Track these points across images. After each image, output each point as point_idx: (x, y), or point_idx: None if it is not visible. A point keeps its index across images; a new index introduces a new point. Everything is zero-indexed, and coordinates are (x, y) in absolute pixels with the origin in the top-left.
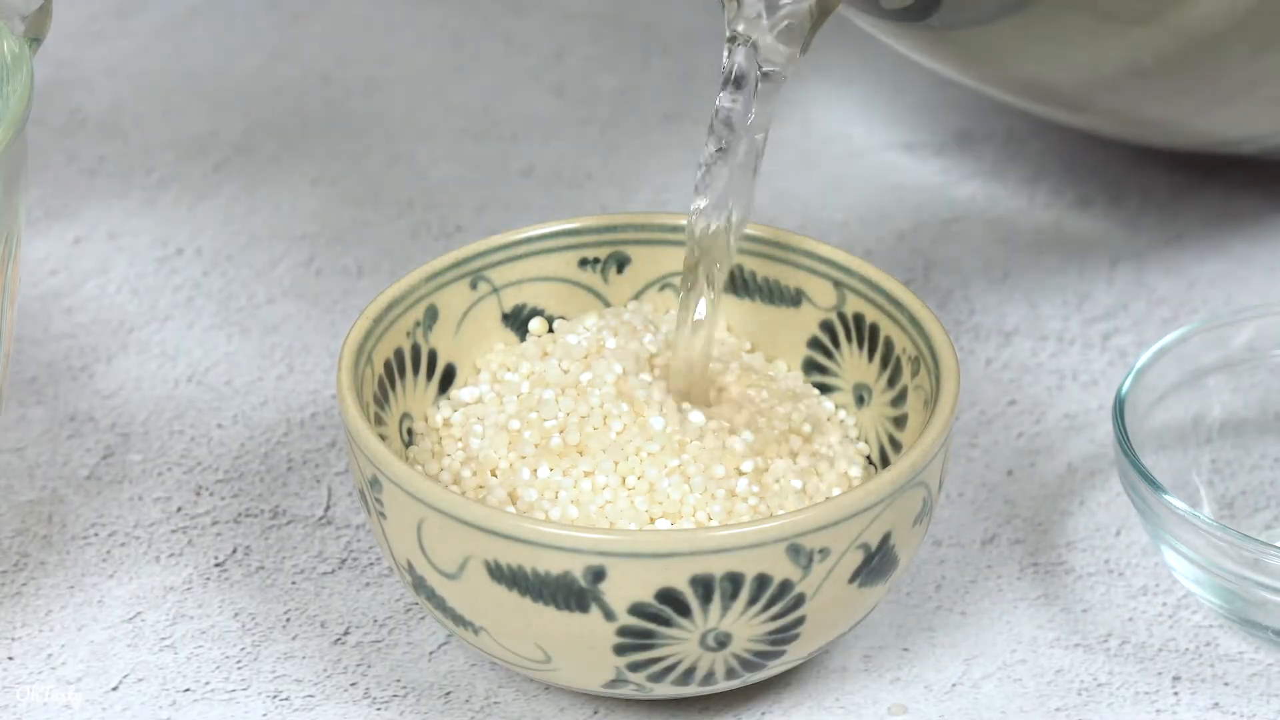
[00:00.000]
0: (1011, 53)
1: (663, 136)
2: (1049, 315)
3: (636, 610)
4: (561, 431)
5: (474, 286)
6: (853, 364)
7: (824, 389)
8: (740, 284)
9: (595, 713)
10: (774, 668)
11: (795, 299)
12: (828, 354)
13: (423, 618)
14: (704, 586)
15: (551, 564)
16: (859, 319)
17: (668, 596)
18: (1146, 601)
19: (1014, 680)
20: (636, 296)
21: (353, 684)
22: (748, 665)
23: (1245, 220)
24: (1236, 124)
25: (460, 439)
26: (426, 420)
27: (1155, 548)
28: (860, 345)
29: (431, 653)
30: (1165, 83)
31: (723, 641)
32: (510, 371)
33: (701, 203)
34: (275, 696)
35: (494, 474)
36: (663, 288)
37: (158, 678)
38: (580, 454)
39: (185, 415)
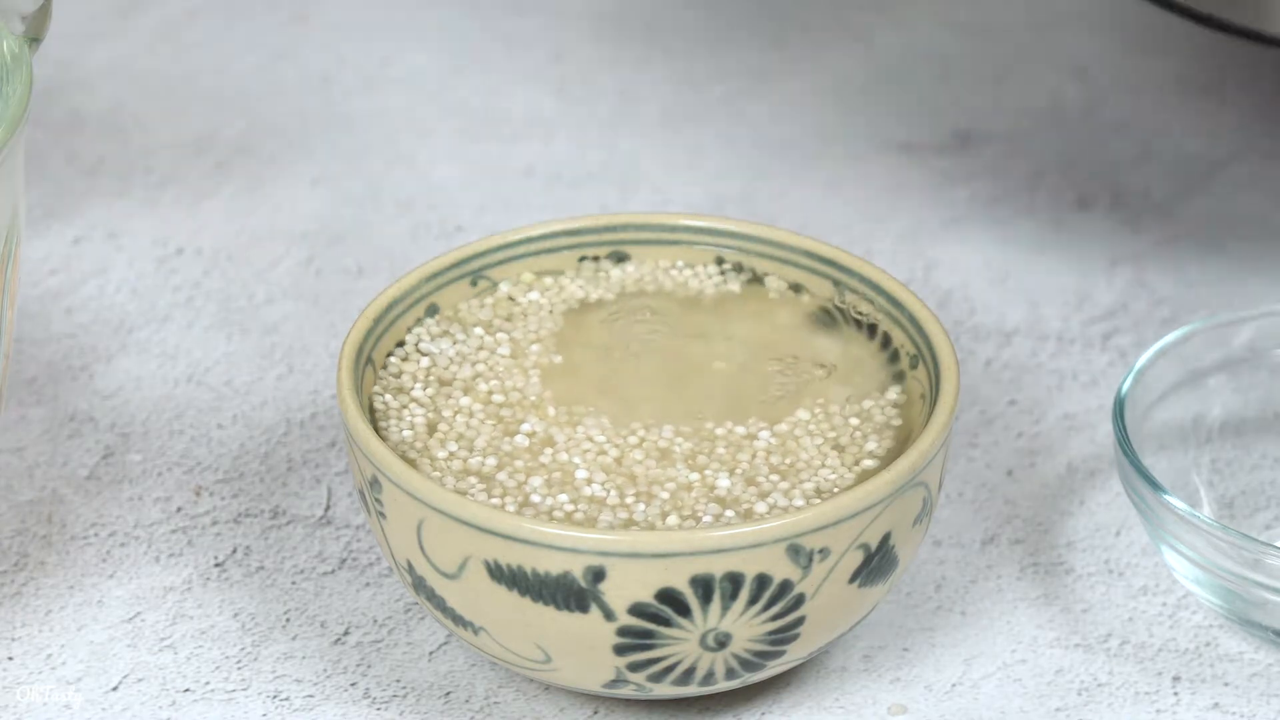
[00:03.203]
0: None
1: (663, 136)
2: (1049, 315)
3: (636, 610)
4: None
5: (474, 285)
6: None
7: None
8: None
9: (595, 713)
10: (774, 668)
11: None
12: None
13: (423, 618)
14: (704, 586)
15: (551, 564)
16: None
17: (668, 596)
18: (1146, 601)
19: (1014, 680)
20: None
21: (353, 684)
22: (748, 665)
23: (1245, 220)
24: None
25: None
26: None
27: (1155, 548)
28: None
29: (431, 653)
30: None
31: (723, 641)
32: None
33: None
34: (275, 696)
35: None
36: None
37: (158, 678)
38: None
39: (185, 415)
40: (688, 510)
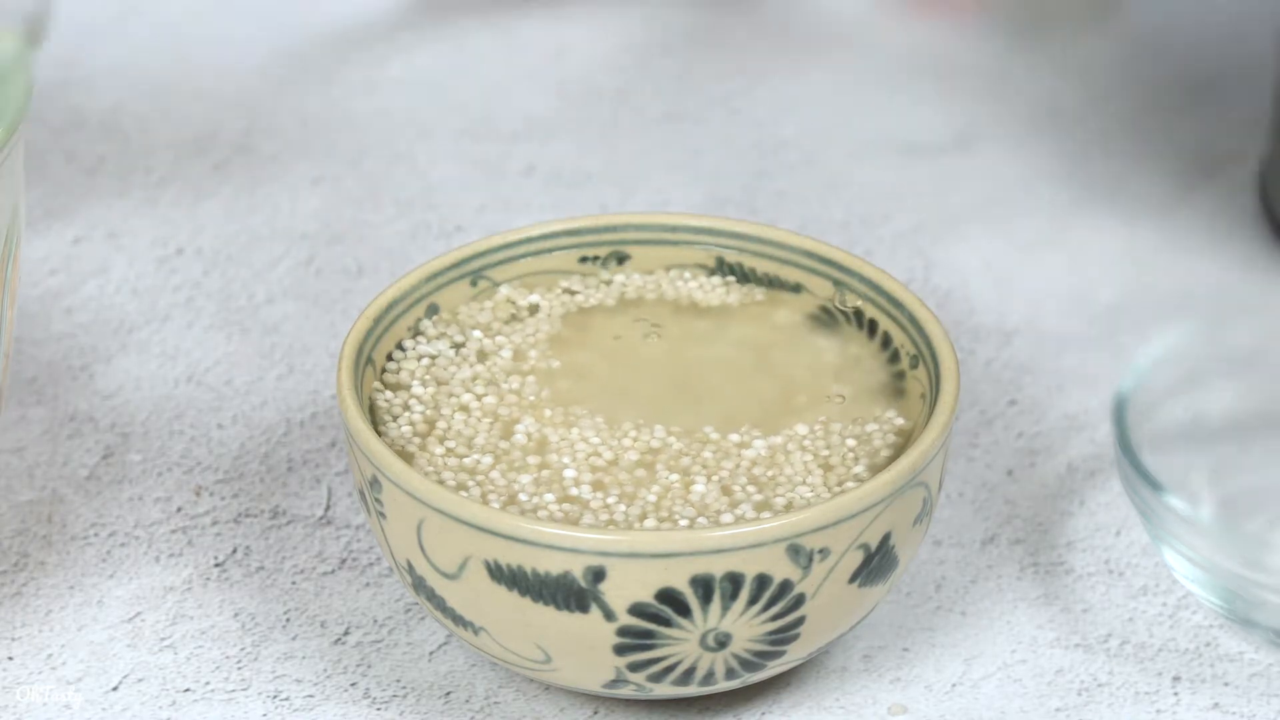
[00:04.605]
0: None
1: (663, 136)
2: (1049, 315)
3: (636, 610)
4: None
5: (474, 285)
6: None
7: None
8: (740, 283)
9: (595, 713)
10: (774, 668)
11: None
12: None
13: (423, 618)
14: (704, 586)
15: (551, 564)
16: (858, 318)
17: (668, 596)
18: (1146, 601)
19: (1014, 680)
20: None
21: (353, 684)
22: (748, 665)
23: (1245, 220)
24: None
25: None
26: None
27: (1155, 548)
28: None
29: (431, 653)
30: None
31: (723, 641)
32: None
33: None
34: (275, 696)
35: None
36: None
37: (158, 678)
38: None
39: (185, 415)
40: (665, 513)
